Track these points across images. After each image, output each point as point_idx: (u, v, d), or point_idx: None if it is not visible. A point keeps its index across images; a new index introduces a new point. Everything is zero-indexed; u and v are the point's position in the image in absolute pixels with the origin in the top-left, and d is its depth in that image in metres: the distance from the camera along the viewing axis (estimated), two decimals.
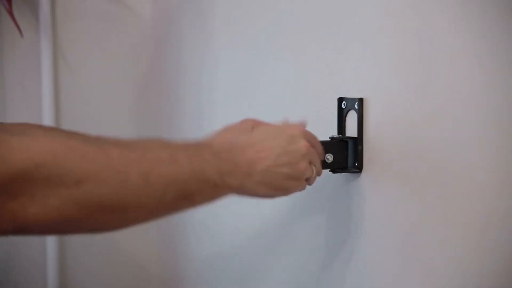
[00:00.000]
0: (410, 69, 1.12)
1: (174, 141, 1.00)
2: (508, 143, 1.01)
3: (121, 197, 0.89)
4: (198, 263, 1.64)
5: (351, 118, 1.21)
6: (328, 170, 1.20)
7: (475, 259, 1.05)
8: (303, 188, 1.11)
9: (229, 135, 1.07)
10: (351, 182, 1.22)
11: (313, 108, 1.29)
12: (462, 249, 1.07)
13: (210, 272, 1.60)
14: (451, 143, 1.07)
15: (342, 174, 1.22)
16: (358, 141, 1.19)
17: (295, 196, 1.32)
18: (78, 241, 1.75)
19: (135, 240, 1.79)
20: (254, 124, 1.10)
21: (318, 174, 1.12)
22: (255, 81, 1.44)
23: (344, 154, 1.20)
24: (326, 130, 1.20)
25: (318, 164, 1.12)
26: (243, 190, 1.02)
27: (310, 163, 1.09)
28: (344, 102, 1.22)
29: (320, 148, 1.14)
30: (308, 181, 1.11)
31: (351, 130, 1.21)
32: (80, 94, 1.73)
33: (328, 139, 1.19)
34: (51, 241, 1.70)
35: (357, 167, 1.19)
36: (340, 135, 1.22)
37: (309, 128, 1.13)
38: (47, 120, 1.68)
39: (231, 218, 1.52)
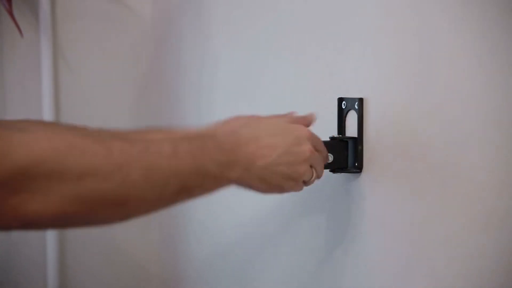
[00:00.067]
0: (410, 69, 1.12)
1: (179, 129, 1.01)
2: (508, 143, 1.01)
3: (122, 192, 0.89)
4: (198, 263, 1.64)
5: (351, 118, 1.21)
6: (328, 170, 1.20)
7: (475, 259, 1.05)
8: (300, 189, 1.11)
9: (237, 124, 1.07)
10: (351, 182, 1.22)
11: (313, 108, 1.29)
12: (462, 249, 1.07)
13: (210, 272, 1.60)
14: (451, 143, 1.07)
15: (342, 174, 1.22)
16: (358, 141, 1.19)
17: (295, 196, 1.32)
18: (78, 241, 1.75)
19: (135, 240, 1.79)
20: (263, 117, 1.10)
21: (318, 177, 1.12)
22: (255, 81, 1.44)
23: (344, 154, 1.20)
24: (326, 130, 1.19)
25: (320, 168, 1.12)
26: (240, 182, 1.03)
27: (311, 166, 1.09)
28: (344, 102, 1.22)
29: (325, 152, 1.14)
30: (306, 183, 1.11)
31: (351, 130, 1.21)
32: (80, 94, 1.73)
33: (328, 139, 1.19)
34: (51, 241, 1.70)
35: (357, 167, 1.19)
36: (340, 135, 1.22)
37: (310, 128, 1.13)
38: (47, 120, 1.67)
39: (231, 218, 1.52)
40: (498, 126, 1.02)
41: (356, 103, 1.19)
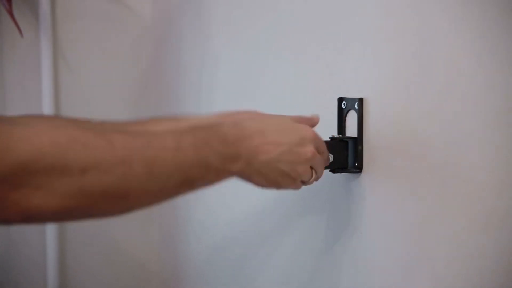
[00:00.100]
0: (410, 69, 1.12)
1: (185, 118, 1.01)
2: (508, 143, 1.01)
3: (124, 185, 0.89)
4: (198, 263, 1.64)
5: (351, 118, 1.21)
6: (328, 170, 1.20)
7: (475, 259, 1.05)
8: (298, 188, 1.11)
9: (244, 117, 1.08)
10: (351, 182, 1.22)
11: (313, 108, 1.29)
12: (462, 249, 1.07)
13: (210, 272, 1.60)
14: (451, 143, 1.07)
15: (342, 174, 1.22)
16: (358, 141, 1.19)
17: (296, 196, 1.32)
18: (78, 241, 1.75)
19: (135, 240, 1.79)
20: (270, 114, 1.11)
21: (317, 179, 1.13)
22: (255, 81, 1.44)
23: (344, 154, 1.20)
24: (326, 130, 1.19)
25: (320, 170, 1.12)
26: (241, 175, 1.03)
27: (311, 167, 1.09)
28: (344, 102, 1.22)
29: (326, 154, 1.14)
30: (305, 183, 1.11)
31: (351, 130, 1.21)
32: (80, 94, 1.73)
33: (328, 139, 1.19)
34: (51, 241, 1.70)
35: (357, 167, 1.19)
36: (340, 135, 1.22)
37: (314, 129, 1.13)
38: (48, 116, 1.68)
39: (231, 218, 1.52)
40: (498, 126, 1.02)
41: (356, 103, 1.19)
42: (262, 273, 1.44)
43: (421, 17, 1.10)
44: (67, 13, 1.71)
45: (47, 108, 1.68)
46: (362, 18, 1.19)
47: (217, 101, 1.55)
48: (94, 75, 1.75)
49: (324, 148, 1.13)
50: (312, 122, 1.14)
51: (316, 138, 1.10)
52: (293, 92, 1.34)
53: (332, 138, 1.20)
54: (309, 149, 1.07)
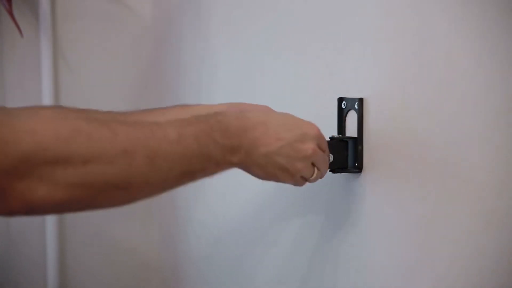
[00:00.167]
0: (410, 69, 1.12)
1: (190, 107, 1.01)
2: (508, 143, 1.01)
3: (127, 176, 0.90)
4: (198, 263, 1.64)
5: (351, 118, 1.21)
6: (328, 170, 1.20)
7: (475, 259, 1.05)
8: (299, 185, 1.11)
9: (248, 108, 1.09)
10: (351, 182, 1.22)
11: (313, 108, 1.29)
12: (462, 249, 1.07)
13: (210, 272, 1.60)
14: (451, 143, 1.07)
15: (342, 174, 1.22)
16: (358, 141, 1.19)
17: (296, 196, 1.32)
18: (78, 241, 1.75)
19: (135, 240, 1.79)
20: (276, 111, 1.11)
21: (321, 176, 1.13)
22: (255, 81, 1.44)
23: (344, 154, 1.20)
24: (326, 130, 1.19)
25: (324, 168, 1.12)
26: (240, 166, 1.04)
27: (314, 165, 1.09)
28: (344, 102, 1.22)
29: (327, 153, 1.14)
30: (308, 180, 1.11)
31: (351, 130, 1.21)
32: (80, 94, 1.73)
33: (328, 139, 1.19)
34: (51, 241, 1.70)
35: (357, 167, 1.19)
36: (340, 135, 1.22)
37: None
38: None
39: (231, 218, 1.52)
40: (498, 126, 1.02)
41: (356, 103, 1.19)
42: (262, 273, 1.44)
43: (421, 17, 1.10)
44: (67, 13, 1.71)
45: None
46: (362, 18, 1.19)
47: (217, 101, 1.54)
48: (94, 75, 1.75)
49: (326, 146, 1.13)
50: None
51: (319, 135, 1.10)
52: (293, 92, 1.34)
53: (332, 138, 1.20)
54: (310, 146, 1.07)
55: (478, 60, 1.03)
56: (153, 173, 0.93)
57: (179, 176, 0.96)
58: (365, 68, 1.19)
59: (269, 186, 1.34)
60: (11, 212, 0.86)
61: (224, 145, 0.99)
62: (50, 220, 1.70)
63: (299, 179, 1.10)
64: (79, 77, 1.73)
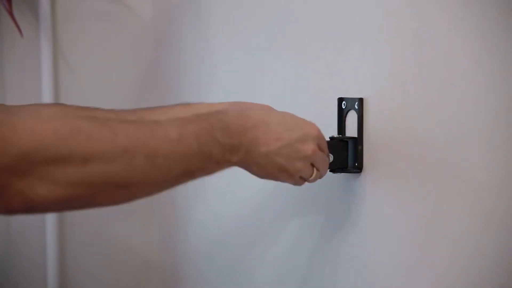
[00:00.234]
0: (410, 69, 1.12)
1: (192, 105, 1.00)
2: (508, 143, 1.01)
3: (126, 175, 0.91)
4: (198, 263, 1.64)
5: (351, 118, 1.21)
6: (328, 170, 1.20)
7: (475, 259, 1.05)
8: (298, 184, 1.11)
9: (250, 106, 1.09)
10: (351, 182, 1.22)
11: (313, 108, 1.29)
12: (462, 249, 1.07)
13: (210, 272, 1.60)
14: (451, 143, 1.07)
15: (342, 174, 1.22)
16: (358, 141, 1.19)
17: (296, 196, 1.32)
18: (78, 241, 1.75)
19: (135, 240, 1.79)
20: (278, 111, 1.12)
21: (320, 177, 1.13)
22: (255, 81, 1.44)
23: (344, 154, 1.20)
24: (326, 130, 1.19)
25: (324, 168, 1.12)
26: (240, 165, 1.04)
27: (313, 165, 1.09)
28: (344, 102, 1.22)
29: (327, 153, 1.14)
30: (307, 181, 1.11)
31: (351, 130, 1.21)
32: (80, 94, 1.73)
33: (328, 139, 1.19)
34: (51, 241, 1.70)
35: (357, 167, 1.19)
36: (340, 135, 1.22)
37: None
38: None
39: (231, 218, 1.52)
40: (498, 126, 1.02)
41: (356, 103, 1.19)
42: (262, 273, 1.44)
43: (421, 17, 1.10)
44: (67, 13, 1.71)
45: None
46: (362, 18, 1.19)
47: (217, 101, 1.55)
48: (94, 75, 1.75)
49: (325, 147, 1.13)
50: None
51: (319, 136, 1.10)
52: (293, 92, 1.34)
53: (332, 138, 1.20)
54: (310, 147, 1.07)
55: (478, 60, 1.03)
56: (153, 173, 0.93)
57: (179, 175, 0.97)
58: (365, 68, 1.19)
59: (269, 185, 1.34)
60: (11, 210, 0.86)
61: (225, 144, 0.99)
62: (50, 220, 1.70)
63: (298, 179, 1.10)
64: (79, 77, 1.73)
